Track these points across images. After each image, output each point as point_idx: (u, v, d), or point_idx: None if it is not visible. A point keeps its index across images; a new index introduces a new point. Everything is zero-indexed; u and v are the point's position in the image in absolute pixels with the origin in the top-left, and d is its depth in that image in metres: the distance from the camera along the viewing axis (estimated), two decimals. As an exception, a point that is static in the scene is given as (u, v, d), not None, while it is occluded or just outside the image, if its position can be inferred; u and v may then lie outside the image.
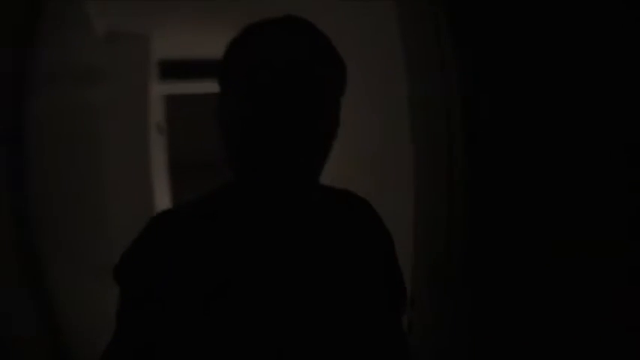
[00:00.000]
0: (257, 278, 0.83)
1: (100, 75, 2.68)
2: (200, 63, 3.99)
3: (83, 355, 1.84)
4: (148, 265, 0.83)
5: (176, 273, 0.82)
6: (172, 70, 3.99)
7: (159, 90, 3.98)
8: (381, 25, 2.34)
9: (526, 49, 1.53)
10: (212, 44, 3.81)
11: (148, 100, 3.35)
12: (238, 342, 0.80)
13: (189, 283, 0.81)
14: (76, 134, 2.31)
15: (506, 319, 1.54)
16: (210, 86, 4.30)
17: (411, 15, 1.81)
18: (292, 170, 0.83)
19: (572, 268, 1.53)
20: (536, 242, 1.53)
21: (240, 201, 0.88)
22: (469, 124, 1.51)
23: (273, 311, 0.82)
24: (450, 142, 1.58)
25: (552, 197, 1.54)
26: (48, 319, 1.79)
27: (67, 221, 2.14)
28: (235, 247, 0.85)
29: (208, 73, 4.15)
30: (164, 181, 4.81)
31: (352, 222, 0.95)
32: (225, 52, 0.91)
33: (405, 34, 1.88)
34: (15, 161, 1.67)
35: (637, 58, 1.54)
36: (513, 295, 1.53)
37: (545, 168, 1.54)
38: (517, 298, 1.53)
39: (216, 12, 3.04)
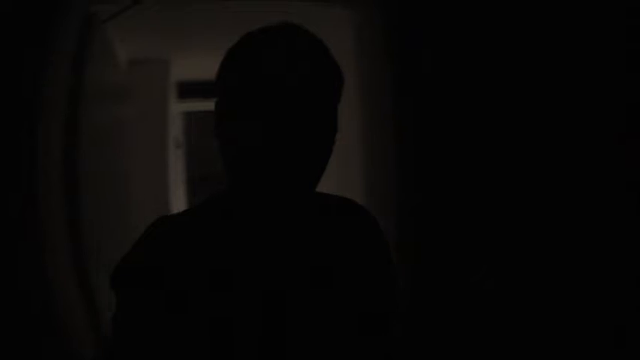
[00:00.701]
0: (256, 282, 0.81)
1: (123, 95, 2.97)
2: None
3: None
4: (146, 269, 0.81)
5: (174, 277, 0.80)
6: (190, 89, 4.31)
7: (177, 108, 4.28)
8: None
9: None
10: None
11: (167, 117, 3.63)
12: (236, 345, 0.79)
13: (188, 287, 0.80)
14: (103, 148, 2.58)
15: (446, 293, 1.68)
16: None
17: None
18: (301, 181, 0.81)
19: (512, 239, 1.67)
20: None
21: (241, 207, 0.86)
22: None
23: (272, 316, 0.81)
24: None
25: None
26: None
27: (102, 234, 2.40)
28: (235, 251, 0.83)
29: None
30: (181, 190, 5.07)
31: (352, 230, 0.93)
32: (223, 65, 0.85)
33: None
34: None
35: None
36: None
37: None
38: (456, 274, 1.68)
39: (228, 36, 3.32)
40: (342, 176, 2.74)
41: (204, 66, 4.03)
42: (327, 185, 0.94)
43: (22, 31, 1.80)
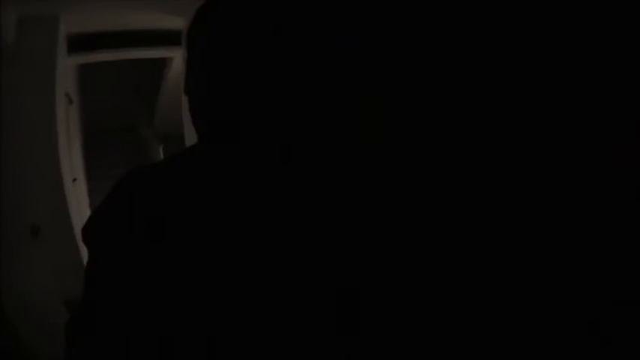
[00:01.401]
0: (230, 247, 0.74)
1: (11, 52, 2.93)
2: (106, 34, 4.28)
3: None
4: (118, 223, 0.77)
5: (148, 231, 0.75)
6: (81, 43, 4.23)
7: (69, 62, 4.19)
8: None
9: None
10: (116, 17, 4.08)
11: (54, 73, 3.58)
12: (211, 304, 0.73)
13: (163, 241, 0.74)
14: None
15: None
16: (118, 55, 4.56)
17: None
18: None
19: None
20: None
21: (210, 160, 0.82)
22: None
23: (254, 271, 0.73)
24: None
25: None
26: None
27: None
28: (208, 205, 0.77)
29: (116, 43, 4.43)
30: (77, 145, 5.01)
31: None
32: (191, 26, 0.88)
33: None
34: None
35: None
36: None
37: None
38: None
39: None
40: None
41: (96, 18, 3.98)
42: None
43: None
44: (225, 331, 0.71)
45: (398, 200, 0.97)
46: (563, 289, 0.85)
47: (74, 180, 4.15)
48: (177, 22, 3.95)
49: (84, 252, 3.27)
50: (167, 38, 4.31)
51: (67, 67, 4.12)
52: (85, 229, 0.80)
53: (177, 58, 4.67)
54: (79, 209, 4.17)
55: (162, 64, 5.48)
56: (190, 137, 4.23)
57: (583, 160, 0.85)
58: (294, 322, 0.72)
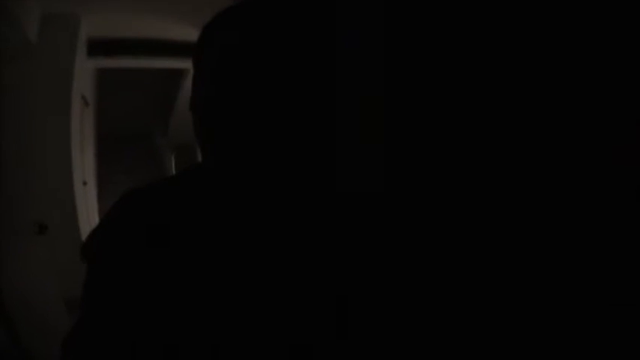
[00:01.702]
0: (233, 254, 0.75)
1: (33, 52, 2.94)
2: (126, 41, 4.32)
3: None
4: (118, 232, 0.77)
5: (149, 238, 0.75)
6: (100, 47, 4.27)
7: (87, 65, 4.23)
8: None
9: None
10: (137, 24, 4.12)
11: (72, 74, 3.60)
12: (209, 321, 0.72)
13: (165, 246, 0.74)
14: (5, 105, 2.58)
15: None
16: (137, 62, 4.60)
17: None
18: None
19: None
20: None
21: (211, 180, 0.82)
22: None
23: (249, 288, 0.73)
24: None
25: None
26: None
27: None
28: (208, 225, 0.76)
29: (136, 50, 4.47)
30: (91, 149, 5.04)
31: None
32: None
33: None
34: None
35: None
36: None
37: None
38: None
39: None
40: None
41: (117, 24, 4.02)
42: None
43: None
44: (229, 339, 0.72)
45: (397, 201, 0.98)
46: (563, 289, 0.85)
47: (84, 183, 4.15)
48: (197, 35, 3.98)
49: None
50: (185, 50, 4.34)
51: (85, 69, 4.15)
52: (85, 245, 0.80)
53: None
54: (87, 212, 4.16)
55: (179, 75, 5.52)
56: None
57: (583, 160, 0.84)
58: (294, 329, 0.73)
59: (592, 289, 0.81)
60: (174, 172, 7.96)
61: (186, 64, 4.63)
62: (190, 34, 4.02)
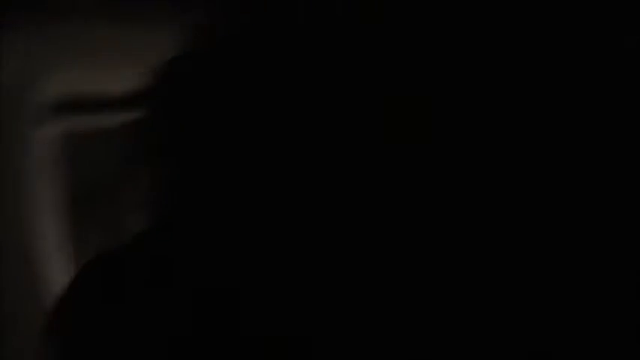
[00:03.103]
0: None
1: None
2: (96, 100, 4.36)
3: None
4: (86, 318, 0.62)
5: (113, 329, 0.59)
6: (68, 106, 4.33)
7: (54, 126, 4.26)
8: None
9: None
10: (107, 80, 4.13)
11: (31, 141, 3.45)
12: None
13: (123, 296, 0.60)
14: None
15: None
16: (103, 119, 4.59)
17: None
18: None
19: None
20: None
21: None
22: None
23: None
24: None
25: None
26: None
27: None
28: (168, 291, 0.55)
29: (103, 108, 4.51)
30: (56, 214, 4.82)
31: None
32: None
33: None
34: None
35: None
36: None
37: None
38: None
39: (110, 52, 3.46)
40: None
41: (87, 80, 4.08)
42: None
43: None
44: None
45: (402, 200, 1.16)
46: (563, 289, 0.97)
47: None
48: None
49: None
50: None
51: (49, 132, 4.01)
52: (49, 321, 0.63)
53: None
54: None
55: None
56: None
57: (583, 160, 0.98)
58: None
59: (592, 288, 0.90)
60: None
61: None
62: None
